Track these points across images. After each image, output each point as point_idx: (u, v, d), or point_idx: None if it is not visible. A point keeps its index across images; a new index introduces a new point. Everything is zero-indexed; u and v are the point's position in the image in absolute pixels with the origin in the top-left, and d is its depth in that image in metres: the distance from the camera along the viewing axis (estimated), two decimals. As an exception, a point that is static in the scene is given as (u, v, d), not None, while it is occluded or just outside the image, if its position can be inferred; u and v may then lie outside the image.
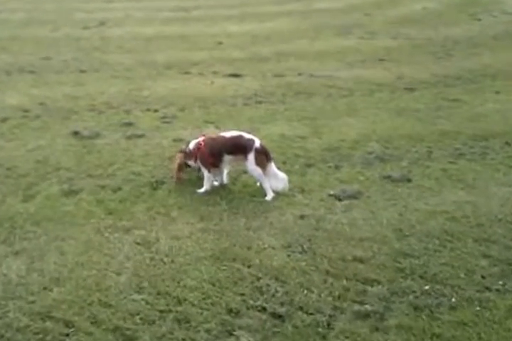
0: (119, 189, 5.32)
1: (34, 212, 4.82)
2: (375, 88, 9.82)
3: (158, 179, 5.54)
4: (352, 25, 16.18)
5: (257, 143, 5.24)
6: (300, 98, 8.97)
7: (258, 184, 5.53)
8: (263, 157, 5.25)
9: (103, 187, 5.33)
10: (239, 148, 5.24)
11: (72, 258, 4.16)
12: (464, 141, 7.15)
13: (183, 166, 5.42)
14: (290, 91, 9.29)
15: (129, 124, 7.20)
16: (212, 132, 6.87)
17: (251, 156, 5.20)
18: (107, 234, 4.51)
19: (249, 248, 4.44)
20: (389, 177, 5.91)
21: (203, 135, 5.51)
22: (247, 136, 5.31)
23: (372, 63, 11.69)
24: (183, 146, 5.55)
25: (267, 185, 5.30)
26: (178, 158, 5.40)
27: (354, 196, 5.42)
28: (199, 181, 5.52)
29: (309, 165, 6.16)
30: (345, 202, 5.32)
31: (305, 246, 4.48)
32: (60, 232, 4.53)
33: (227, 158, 5.30)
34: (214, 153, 5.28)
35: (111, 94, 8.64)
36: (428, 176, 6.03)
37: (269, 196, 5.28)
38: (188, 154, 5.40)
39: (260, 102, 8.55)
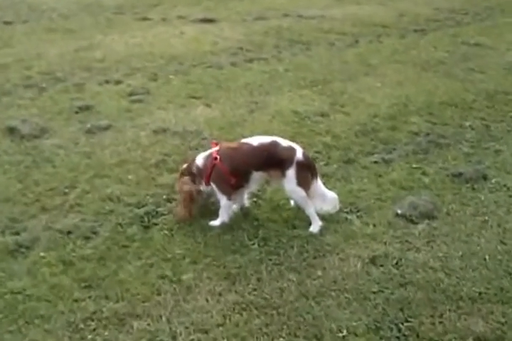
0: (94, 233, 3.48)
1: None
2: (380, 31, 8.00)
3: (148, 208, 3.71)
4: None
5: (299, 154, 3.49)
6: (298, 50, 7.05)
7: (292, 202, 3.86)
8: (307, 173, 3.53)
9: (68, 233, 3.47)
10: (274, 161, 3.47)
11: None
12: (519, 106, 5.64)
13: (195, 197, 3.61)
14: (282, 41, 7.32)
15: (86, 108, 5.12)
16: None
17: (291, 173, 3.47)
18: (89, 336, 2.76)
19: (319, 338, 2.85)
20: (460, 175, 4.33)
21: (216, 143, 3.71)
22: (284, 143, 3.51)
23: (363, -4, 9.75)
24: (185, 164, 3.70)
25: (311, 212, 3.61)
26: (184, 186, 3.59)
27: (430, 214, 3.81)
28: (209, 205, 3.80)
29: (349, 162, 4.46)
30: (422, 225, 3.71)
31: (401, 325, 2.90)
32: (9, 338, 2.77)
33: (256, 176, 3.54)
34: (237, 171, 3.49)
35: (51, 58, 6.36)
36: (504, 168, 4.49)
37: (316, 226, 3.62)
38: (196, 175, 3.62)
39: (251, 60, 6.58)
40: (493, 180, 4.28)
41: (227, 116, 5.10)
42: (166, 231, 3.50)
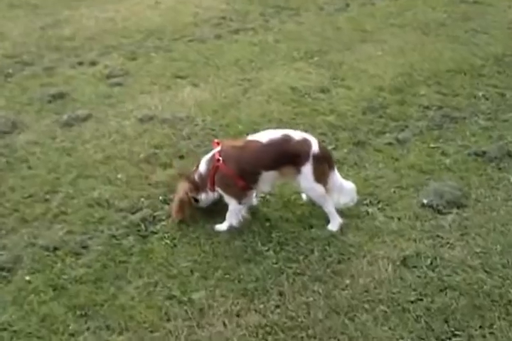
0: (84, 248, 3.00)
1: None
2: (370, -8, 7.41)
3: (144, 214, 3.21)
4: None
5: (315, 147, 3.04)
6: (286, 17, 6.44)
7: (304, 196, 3.43)
8: (324, 166, 3.09)
9: (54, 249, 2.98)
10: (287, 158, 3.02)
11: None
12: (533, 71, 5.23)
13: (186, 204, 3.12)
14: (268, 8, 6.69)
15: (60, 96, 4.50)
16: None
17: (307, 169, 3.02)
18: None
19: (361, 365, 2.48)
20: (483, 154, 3.94)
21: (217, 143, 3.17)
22: (296, 136, 3.05)
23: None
24: (183, 169, 3.25)
25: (331, 209, 3.19)
26: (181, 191, 3.10)
27: (458, 202, 3.41)
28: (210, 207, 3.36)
29: (359, 144, 4.02)
30: (451, 215, 3.32)
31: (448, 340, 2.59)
32: None
33: (266, 176, 3.09)
34: (245, 172, 3.03)
35: (15, 38, 5.66)
36: (528, 143, 4.12)
37: (336, 224, 3.19)
38: (197, 183, 3.12)
39: (237, 31, 5.98)
40: (520, 157, 3.93)
41: (219, 97, 4.58)
42: (168, 241, 3.05)
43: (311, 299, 2.73)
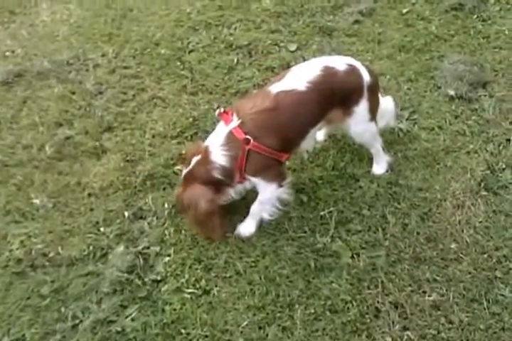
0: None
1: None
2: None
3: (123, 256, 1.53)
4: None
5: (366, 76, 1.55)
6: None
7: (318, 135, 1.96)
8: (377, 96, 1.66)
9: None
10: (336, 100, 1.52)
11: None
12: None
13: (216, 216, 1.50)
14: None
15: None
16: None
17: (362, 107, 1.58)
18: None
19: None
20: (461, 6, 2.57)
21: (227, 112, 1.42)
22: (339, 65, 1.49)
23: None
24: (189, 162, 1.49)
25: (379, 147, 1.80)
26: (201, 201, 1.42)
27: (481, 79, 2.20)
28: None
29: (323, 32, 2.42)
30: (486, 99, 2.12)
31: None
32: None
33: (312, 132, 1.60)
34: (289, 140, 1.50)
35: None
36: None
37: (382, 165, 1.84)
38: (218, 181, 1.45)
39: None
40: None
41: (98, 7, 2.49)
42: (191, 288, 1.49)
43: (433, 296, 1.55)
